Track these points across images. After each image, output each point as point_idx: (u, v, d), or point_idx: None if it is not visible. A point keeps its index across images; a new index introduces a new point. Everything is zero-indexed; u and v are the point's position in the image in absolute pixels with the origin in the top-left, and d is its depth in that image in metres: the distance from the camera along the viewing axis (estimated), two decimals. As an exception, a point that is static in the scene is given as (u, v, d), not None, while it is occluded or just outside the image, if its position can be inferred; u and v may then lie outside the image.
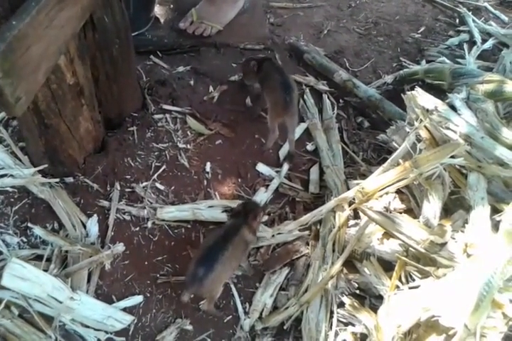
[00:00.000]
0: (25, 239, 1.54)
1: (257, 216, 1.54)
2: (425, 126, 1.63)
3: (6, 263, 1.34)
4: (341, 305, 1.49)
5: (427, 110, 1.68)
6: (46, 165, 1.62)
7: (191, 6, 2.27)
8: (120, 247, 1.52)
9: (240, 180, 1.81)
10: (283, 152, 1.90)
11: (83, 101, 1.52)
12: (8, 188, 1.60)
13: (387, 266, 1.48)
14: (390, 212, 1.55)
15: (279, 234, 1.65)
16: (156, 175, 1.73)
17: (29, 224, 1.54)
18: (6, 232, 1.54)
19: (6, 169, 1.62)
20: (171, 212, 1.64)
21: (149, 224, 1.63)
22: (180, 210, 1.66)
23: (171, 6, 2.38)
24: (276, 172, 1.83)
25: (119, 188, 1.67)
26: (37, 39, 1.09)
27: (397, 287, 1.39)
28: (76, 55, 1.38)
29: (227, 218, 1.58)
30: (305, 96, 2.09)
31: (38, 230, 1.52)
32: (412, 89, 1.81)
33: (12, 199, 1.60)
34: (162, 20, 2.30)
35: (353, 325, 1.45)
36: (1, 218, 1.57)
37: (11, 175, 1.61)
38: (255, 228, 1.54)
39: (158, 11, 2.31)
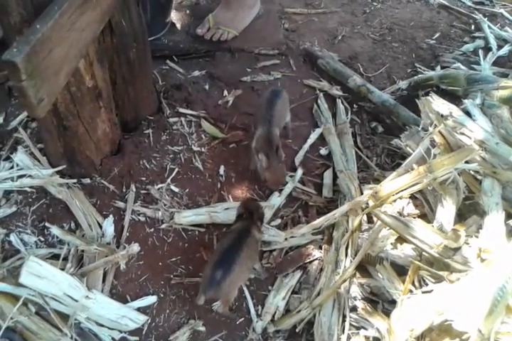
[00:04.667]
0: (42, 239, 1.57)
1: (263, 215, 1.58)
2: (440, 132, 1.63)
3: (24, 261, 1.36)
4: (354, 309, 1.49)
5: (442, 115, 1.68)
6: (64, 166, 1.65)
7: (207, 11, 2.30)
8: (135, 247, 1.53)
9: (253, 183, 1.82)
10: (298, 157, 1.91)
11: (101, 104, 1.55)
12: (26, 188, 1.64)
13: (400, 270, 1.47)
14: (404, 217, 1.55)
15: (292, 237, 1.66)
16: (170, 178, 1.75)
17: (46, 224, 1.57)
18: (24, 231, 1.57)
19: (25, 169, 1.66)
20: (188, 216, 1.66)
21: (164, 226, 1.65)
22: (197, 214, 1.67)
23: (187, 11, 2.41)
24: (290, 176, 1.84)
25: (134, 190, 1.69)
26: (59, 42, 1.12)
27: (411, 291, 1.38)
28: (95, 58, 1.41)
29: (235, 220, 1.58)
30: (319, 101, 2.10)
31: (55, 230, 1.55)
32: (427, 94, 1.82)
33: (30, 199, 1.63)
34: (178, 26, 2.33)
35: (366, 329, 1.44)
36: (19, 217, 1.60)
37: (30, 176, 1.64)
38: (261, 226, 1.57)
39: (174, 16, 2.35)
